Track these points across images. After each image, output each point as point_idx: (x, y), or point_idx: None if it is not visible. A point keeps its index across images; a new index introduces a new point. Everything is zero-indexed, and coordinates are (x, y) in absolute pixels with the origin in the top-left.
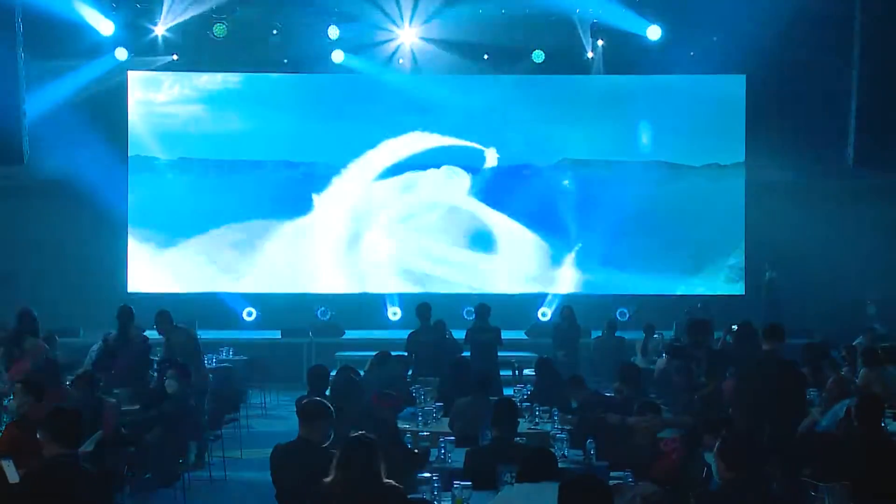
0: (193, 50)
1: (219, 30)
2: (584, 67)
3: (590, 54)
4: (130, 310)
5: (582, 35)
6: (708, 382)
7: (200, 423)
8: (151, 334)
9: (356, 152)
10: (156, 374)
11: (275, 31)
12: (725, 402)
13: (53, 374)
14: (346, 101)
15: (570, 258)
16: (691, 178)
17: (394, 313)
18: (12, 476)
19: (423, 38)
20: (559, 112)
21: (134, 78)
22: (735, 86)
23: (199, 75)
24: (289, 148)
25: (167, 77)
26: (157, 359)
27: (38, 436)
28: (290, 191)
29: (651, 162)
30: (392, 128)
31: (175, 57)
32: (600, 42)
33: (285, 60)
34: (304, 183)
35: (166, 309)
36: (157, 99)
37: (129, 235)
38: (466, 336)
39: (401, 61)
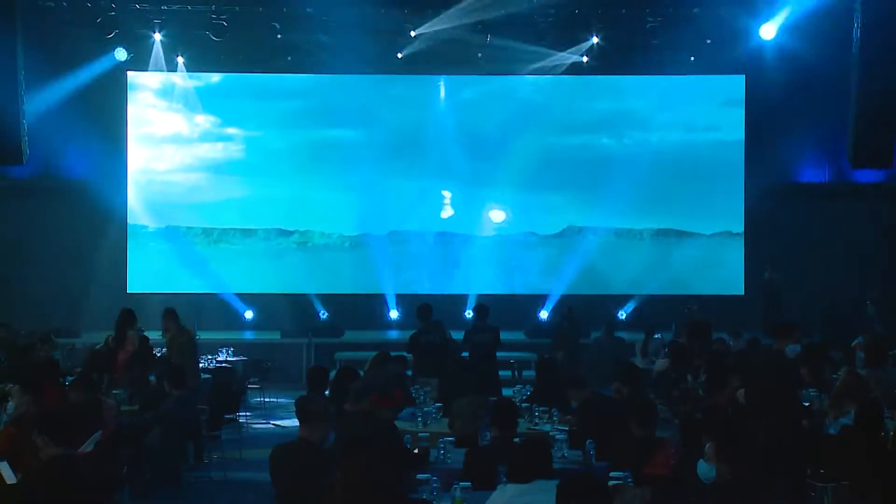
0: (194, 51)
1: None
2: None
3: (584, 59)
4: (130, 312)
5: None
6: (708, 395)
7: (199, 423)
8: (153, 335)
9: (355, 220)
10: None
11: (279, 36)
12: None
13: (53, 374)
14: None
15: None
16: (691, 175)
17: (394, 313)
18: (9, 477)
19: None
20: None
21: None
22: (735, 86)
23: (199, 144)
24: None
25: (168, 147)
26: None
27: (34, 437)
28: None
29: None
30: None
31: (180, 59)
32: (595, 39)
33: (289, 58)
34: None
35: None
36: (156, 167)
37: (128, 235)
38: (465, 336)
39: (399, 56)
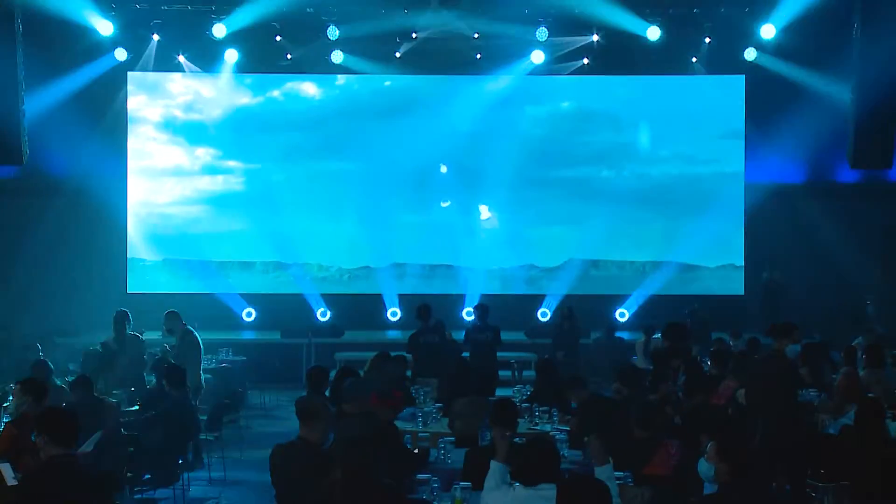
0: (194, 51)
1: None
2: (582, 69)
3: (585, 61)
4: (126, 313)
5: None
6: (689, 397)
7: (199, 423)
8: (153, 335)
9: (355, 253)
10: (154, 375)
11: (278, 38)
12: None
13: (44, 375)
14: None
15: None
16: (692, 177)
17: (393, 313)
18: (9, 478)
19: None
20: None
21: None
22: (734, 86)
23: (200, 177)
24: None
25: (168, 179)
26: (156, 356)
27: (33, 438)
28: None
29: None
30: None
31: (181, 59)
32: (595, 37)
33: (289, 56)
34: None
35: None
36: (156, 200)
37: (128, 236)
38: (465, 335)
39: (397, 55)
